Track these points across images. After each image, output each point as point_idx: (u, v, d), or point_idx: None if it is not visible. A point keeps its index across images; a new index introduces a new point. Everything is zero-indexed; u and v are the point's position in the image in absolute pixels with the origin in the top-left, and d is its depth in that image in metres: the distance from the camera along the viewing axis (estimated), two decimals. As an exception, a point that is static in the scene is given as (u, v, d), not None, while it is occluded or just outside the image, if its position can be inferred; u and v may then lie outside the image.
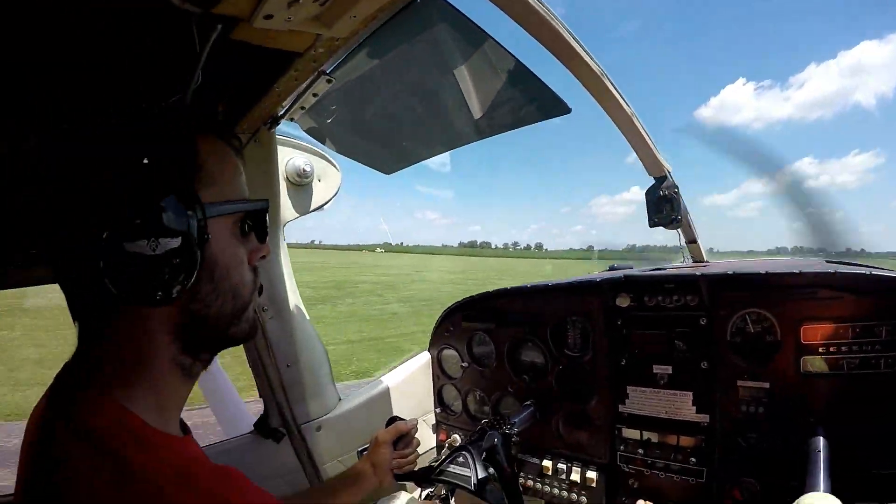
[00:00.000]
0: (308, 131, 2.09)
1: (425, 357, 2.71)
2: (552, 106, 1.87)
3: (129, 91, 1.32)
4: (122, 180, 0.72)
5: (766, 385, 1.68)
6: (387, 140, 2.35)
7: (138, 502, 0.66)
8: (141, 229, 0.70)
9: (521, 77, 1.72)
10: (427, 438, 2.58)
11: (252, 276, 0.90)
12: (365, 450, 1.88)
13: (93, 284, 0.72)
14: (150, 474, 0.69)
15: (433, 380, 2.70)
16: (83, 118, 0.78)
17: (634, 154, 2.16)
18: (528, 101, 1.90)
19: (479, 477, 1.68)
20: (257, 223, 0.90)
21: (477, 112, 1.95)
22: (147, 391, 0.79)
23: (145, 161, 0.73)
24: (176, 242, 0.72)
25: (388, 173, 2.49)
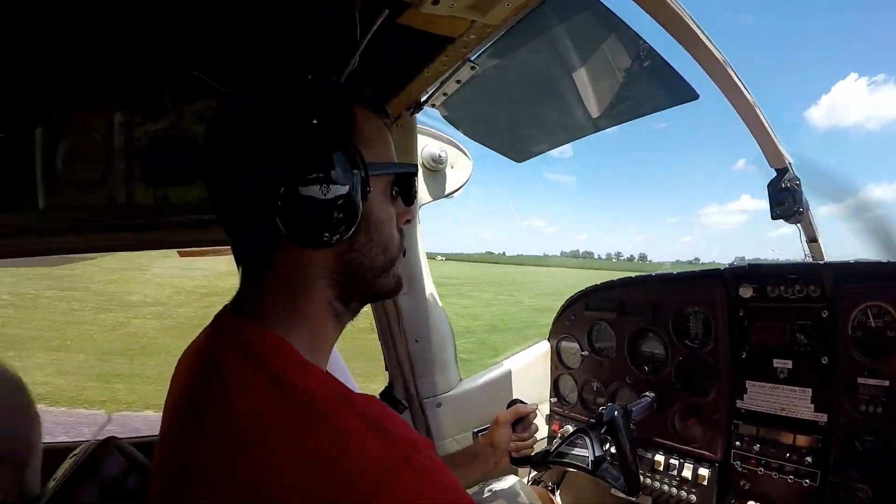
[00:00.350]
0: (446, 117, 2.15)
1: (544, 347, 2.72)
2: (681, 92, 1.85)
3: (298, 67, 1.47)
4: (297, 135, 0.81)
5: (886, 383, 1.59)
6: (519, 128, 2.38)
7: (300, 416, 0.72)
8: (315, 176, 0.79)
9: (652, 62, 1.71)
10: (539, 428, 2.60)
11: (399, 237, 0.96)
12: (481, 431, 1.91)
13: (263, 228, 0.82)
14: (311, 393, 0.76)
15: (551, 369, 2.71)
16: (261, 85, 0.89)
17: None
18: (658, 87, 1.89)
19: (596, 455, 1.68)
20: (405, 187, 0.96)
21: (608, 99, 1.96)
22: (303, 330, 0.87)
23: (314, 122, 0.82)
24: (343, 190, 0.80)
25: (520, 161, 2.52)
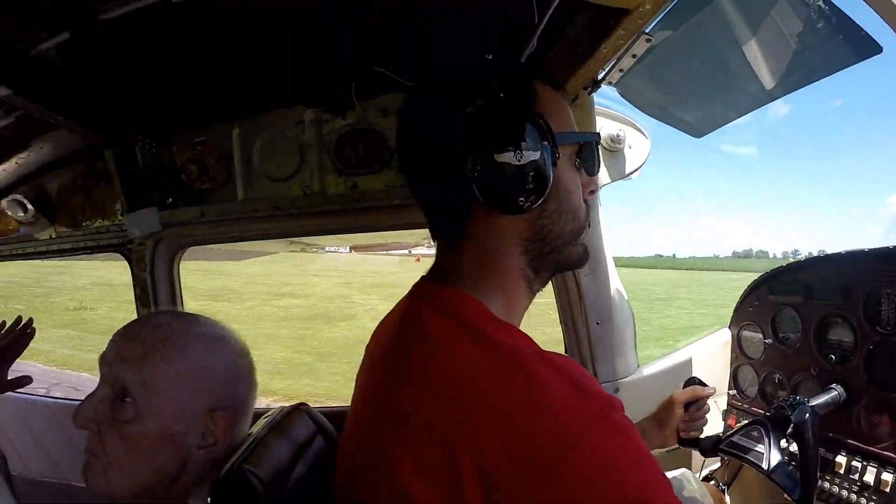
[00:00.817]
0: (622, 94, 2.08)
1: (724, 336, 2.54)
2: (862, 46, 1.63)
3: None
4: (486, 108, 0.85)
5: None
6: (695, 101, 2.25)
7: (501, 366, 0.76)
8: (507, 144, 0.83)
9: (830, 17, 1.54)
10: (715, 422, 2.46)
11: (585, 207, 0.98)
12: None
13: (458, 199, 0.88)
14: (510, 346, 0.79)
15: (731, 360, 2.52)
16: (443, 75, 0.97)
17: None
18: (837, 44, 1.68)
19: (775, 455, 1.56)
20: (588, 158, 0.97)
21: (786, 62, 1.80)
22: (498, 295, 0.91)
23: (501, 95, 0.86)
24: (535, 156, 0.84)
25: (699, 136, 2.37)
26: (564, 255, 0.96)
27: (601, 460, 0.68)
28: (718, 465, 2.05)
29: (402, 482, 0.73)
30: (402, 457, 0.75)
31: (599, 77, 1.80)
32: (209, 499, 0.93)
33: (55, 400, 2.70)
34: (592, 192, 0.99)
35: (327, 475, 1.16)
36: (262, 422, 1.23)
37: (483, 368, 0.76)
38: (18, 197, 2.28)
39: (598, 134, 0.98)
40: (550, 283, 1.06)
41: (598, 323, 2.15)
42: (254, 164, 1.95)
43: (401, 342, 0.90)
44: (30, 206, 2.29)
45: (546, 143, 0.85)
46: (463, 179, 0.84)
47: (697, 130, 2.36)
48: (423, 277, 0.98)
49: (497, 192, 0.84)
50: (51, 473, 2.71)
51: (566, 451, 0.66)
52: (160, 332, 1.09)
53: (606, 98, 2.09)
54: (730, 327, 2.52)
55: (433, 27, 1.45)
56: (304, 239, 7.51)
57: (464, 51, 1.51)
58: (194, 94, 1.82)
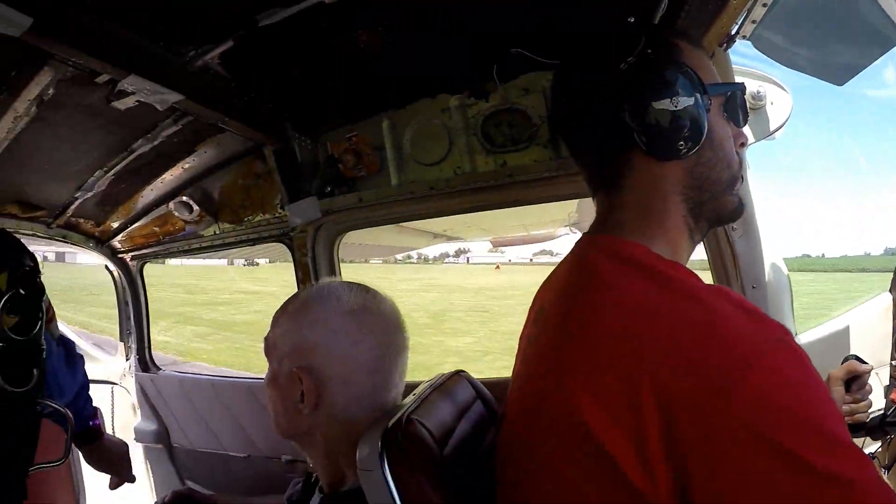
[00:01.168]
0: (758, 48, 1.99)
1: (885, 301, 2.35)
2: None
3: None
4: (638, 62, 0.89)
5: None
6: (831, 44, 2.13)
7: (674, 297, 0.79)
8: (663, 91, 0.86)
9: None
10: (875, 396, 2.29)
11: (738, 158, 0.99)
12: None
13: (617, 150, 0.93)
14: (682, 280, 0.82)
15: (893, 327, 2.33)
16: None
17: None
18: None
19: None
20: (735, 109, 0.98)
21: None
22: (662, 243, 0.93)
23: (649, 51, 0.89)
24: (689, 102, 0.86)
25: (841, 83, 2.24)
26: (722, 203, 0.97)
27: (777, 383, 0.68)
28: (878, 445, 1.92)
29: (582, 417, 0.75)
30: (582, 392, 0.77)
31: (733, 31, 1.75)
32: (380, 441, 0.97)
33: (217, 378, 2.96)
34: (743, 144, 1.00)
35: (486, 437, 1.23)
36: (424, 384, 1.29)
37: (657, 300, 0.78)
38: (185, 199, 2.53)
39: (743, 84, 0.98)
40: (703, 246, 1.04)
41: (753, 287, 2.08)
42: (405, 152, 2.05)
43: (572, 290, 0.93)
44: (195, 207, 2.53)
45: (697, 92, 0.87)
46: (623, 131, 0.89)
47: (839, 77, 2.24)
48: (585, 234, 1.02)
49: (656, 139, 0.87)
50: (209, 444, 2.95)
51: (743, 373, 0.67)
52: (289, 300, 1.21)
53: (742, 56, 2.01)
54: (890, 290, 2.34)
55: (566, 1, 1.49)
56: (450, 232, 7.70)
57: (598, 20, 1.54)
58: (345, 90, 1.95)
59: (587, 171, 1.03)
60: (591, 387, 0.76)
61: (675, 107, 0.86)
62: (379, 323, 1.13)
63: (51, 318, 1.25)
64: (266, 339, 1.18)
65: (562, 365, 0.83)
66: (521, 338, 1.09)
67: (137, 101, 1.63)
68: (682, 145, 0.87)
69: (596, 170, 1.01)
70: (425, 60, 1.79)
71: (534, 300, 1.10)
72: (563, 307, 0.92)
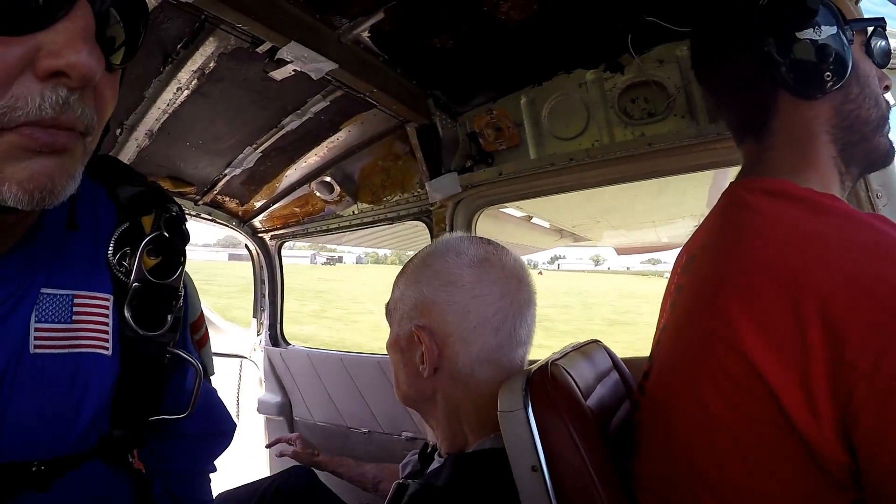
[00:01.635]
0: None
1: None
2: None
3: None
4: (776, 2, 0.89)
5: None
6: None
7: (837, 222, 0.78)
8: (807, 20, 0.86)
9: None
10: None
11: (884, 98, 0.96)
12: None
13: (763, 93, 0.93)
14: (847, 209, 0.81)
15: None
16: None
17: None
18: None
19: None
20: (877, 46, 0.96)
21: None
22: (816, 184, 0.89)
23: None
24: (833, 31, 0.86)
25: None
26: (873, 144, 0.95)
27: None
28: None
29: (741, 345, 0.73)
30: (741, 314, 0.75)
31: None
32: (524, 382, 0.91)
33: (346, 353, 2.97)
34: (887, 87, 0.97)
35: (619, 410, 1.16)
36: (567, 347, 1.24)
37: (817, 224, 0.78)
38: (327, 178, 2.57)
39: (884, 20, 0.88)
40: None
41: None
42: (543, 127, 2.03)
43: (724, 227, 0.92)
44: (336, 186, 2.57)
45: (838, 24, 0.87)
46: (768, 67, 0.89)
47: None
48: (732, 182, 1.00)
49: (801, 74, 0.87)
50: (330, 419, 3.02)
51: None
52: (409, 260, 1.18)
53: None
54: None
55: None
56: (578, 229, 7.56)
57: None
58: (484, 68, 1.95)
59: (733, 118, 1.03)
60: (751, 309, 0.74)
61: (819, 37, 0.85)
62: (501, 276, 1.07)
63: (203, 342, 1.28)
64: (386, 304, 1.16)
65: (719, 292, 0.81)
66: (665, 296, 1.08)
67: (294, 70, 1.68)
68: (828, 77, 0.86)
69: (742, 115, 1.00)
70: (561, 34, 1.76)
71: (680, 254, 1.08)
72: (716, 244, 0.92)
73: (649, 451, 0.93)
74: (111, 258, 0.91)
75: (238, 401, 3.65)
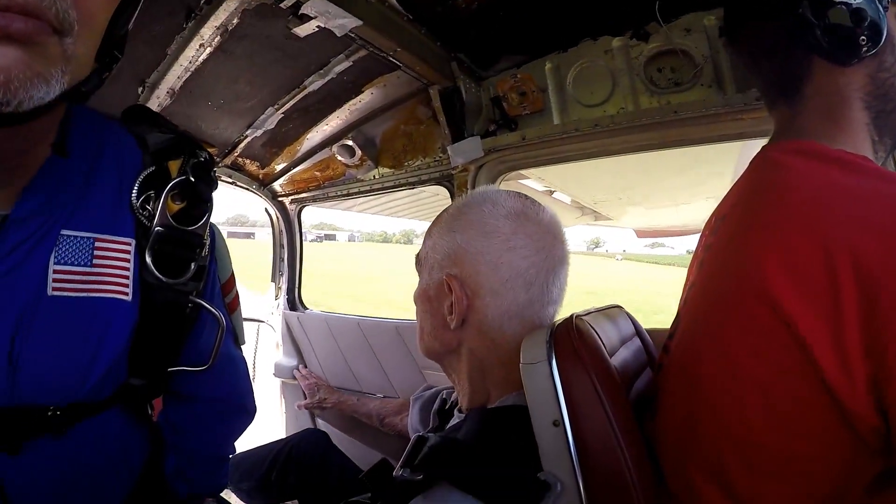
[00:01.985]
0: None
1: None
2: None
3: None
4: None
5: None
6: None
7: (873, 177, 0.77)
8: None
9: None
10: None
11: None
12: None
13: (795, 59, 0.92)
14: (880, 169, 0.82)
15: None
16: None
17: None
18: None
19: None
20: None
21: None
22: (849, 147, 0.88)
23: None
24: None
25: None
26: None
27: None
28: None
29: (773, 294, 0.72)
30: (770, 261, 0.74)
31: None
32: (548, 334, 0.89)
33: (363, 318, 2.99)
34: None
35: (639, 378, 1.15)
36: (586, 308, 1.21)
37: (849, 181, 0.77)
38: (348, 142, 2.56)
39: None
40: None
41: None
42: (567, 93, 2.00)
43: (755, 186, 0.92)
44: (358, 150, 2.55)
45: None
46: (801, 34, 0.88)
47: None
48: (763, 146, 0.99)
49: (836, 38, 0.85)
50: (345, 383, 3.03)
51: None
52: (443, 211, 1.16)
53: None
54: None
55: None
56: (599, 206, 7.43)
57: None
58: (510, 33, 1.92)
59: (765, 83, 1.02)
60: (783, 261, 0.73)
61: (854, 1, 0.83)
62: (537, 230, 1.04)
63: (233, 306, 1.25)
64: (417, 254, 1.15)
65: (749, 244, 0.81)
66: (692, 260, 1.07)
67: (317, 26, 1.64)
68: (863, 42, 0.85)
69: (775, 80, 0.99)
70: (587, 1, 1.75)
71: (711, 216, 1.07)
72: (747, 201, 0.91)
73: (673, 410, 0.91)
74: (135, 201, 0.89)
75: (255, 364, 3.71)
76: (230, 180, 2.99)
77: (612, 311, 1.26)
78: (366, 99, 2.29)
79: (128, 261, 0.88)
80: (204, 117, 2.34)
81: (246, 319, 3.46)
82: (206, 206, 0.97)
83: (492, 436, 0.93)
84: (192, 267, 0.96)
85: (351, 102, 2.31)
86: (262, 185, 3.16)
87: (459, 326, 1.03)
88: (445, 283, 1.03)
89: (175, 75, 1.91)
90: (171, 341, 0.98)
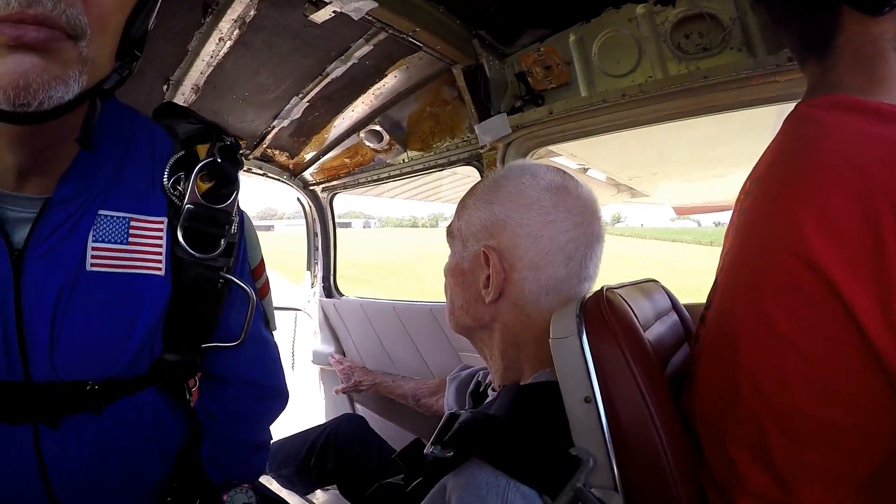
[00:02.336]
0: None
1: None
2: None
3: None
4: None
5: None
6: None
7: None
8: None
9: None
10: None
11: None
12: None
13: (827, 10, 0.84)
14: None
15: None
16: None
17: None
18: None
19: None
20: None
21: None
22: (885, 99, 0.82)
23: None
24: None
25: None
26: None
27: None
28: None
29: (813, 257, 0.68)
30: (809, 224, 0.69)
31: None
32: (578, 307, 0.86)
33: (397, 301, 3.01)
34: None
35: (676, 355, 1.10)
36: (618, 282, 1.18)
37: (889, 129, 0.72)
38: (375, 127, 2.55)
39: None
40: None
41: None
42: (593, 65, 1.95)
43: (790, 141, 0.87)
44: (385, 135, 2.54)
45: None
46: None
47: None
48: (797, 104, 0.94)
49: None
50: (382, 367, 3.05)
51: None
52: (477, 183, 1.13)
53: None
54: None
55: None
56: (635, 182, 7.27)
57: None
58: (530, 6, 1.87)
59: (795, 39, 0.96)
60: (821, 217, 0.68)
61: None
62: (577, 205, 1.02)
63: (264, 292, 1.30)
64: (449, 227, 1.12)
65: (786, 201, 0.76)
66: (728, 228, 1.01)
67: (333, 11, 1.63)
68: None
69: (804, 35, 0.93)
70: None
71: (746, 180, 1.02)
72: (781, 159, 0.87)
73: (709, 381, 0.87)
74: (166, 183, 0.95)
75: (293, 353, 3.77)
76: (261, 172, 3.01)
77: (646, 286, 1.22)
78: (389, 82, 2.27)
79: (161, 238, 0.94)
80: (230, 111, 2.36)
81: (283, 308, 3.54)
82: (233, 185, 1.02)
83: (524, 412, 0.91)
84: (222, 243, 1.00)
85: (375, 87, 2.29)
86: (293, 175, 3.17)
87: (494, 301, 1.01)
88: (482, 255, 1.00)
89: (198, 71, 1.93)
90: (203, 317, 1.03)
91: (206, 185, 0.98)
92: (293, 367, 3.70)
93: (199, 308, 1.00)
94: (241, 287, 1.05)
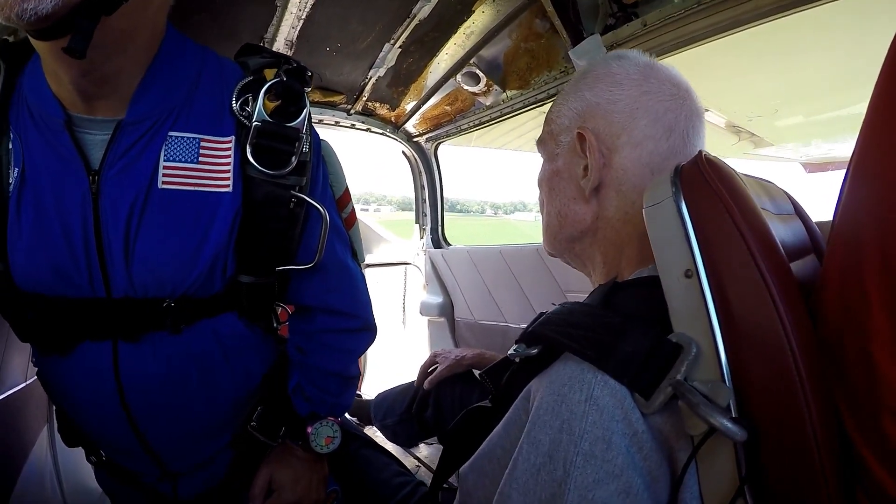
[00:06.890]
0: None
1: None
2: None
3: None
4: None
5: None
6: None
7: None
8: None
9: None
10: None
11: None
12: None
13: None
14: None
15: None
16: None
17: None
18: None
19: None
20: None
21: None
22: None
23: None
24: None
25: None
26: None
27: None
28: None
29: None
30: None
31: None
32: (673, 171, 0.72)
33: (504, 245, 2.95)
34: None
35: (803, 256, 0.92)
36: None
37: None
38: (472, 69, 2.47)
39: None
40: None
41: None
42: None
43: None
44: (482, 76, 2.46)
45: None
46: None
47: None
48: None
49: None
50: (490, 316, 3.06)
51: None
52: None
53: None
54: None
55: None
56: (754, 126, 6.58)
57: None
58: None
59: None
60: None
61: None
62: (669, 76, 0.93)
63: (350, 222, 1.32)
64: (539, 139, 1.06)
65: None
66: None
67: None
68: None
69: None
70: None
71: None
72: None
73: (842, 275, 0.67)
74: (234, 105, 0.98)
75: (404, 307, 3.84)
76: (364, 127, 3.06)
77: (766, 184, 0.99)
78: (478, 19, 2.19)
79: (229, 157, 0.97)
80: (326, 65, 2.40)
81: (393, 264, 3.61)
82: (301, 101, 1.03)
83: (618, 303, 0.79)
84: (293, 160, 1.01)
85: (464, 26, 2.22)
86: (396, 127, 3.20)
87: (595, 192, 0.92)
88: (577, 139, 0.92)
89: (289, 26, 1.97)
90: (276, 235, 1.05)
91: (273, 104, 1.00)
92: (404, 322, 3.78)
93: (271, 225, 1.02)
94: (316, 207, 1.06)
